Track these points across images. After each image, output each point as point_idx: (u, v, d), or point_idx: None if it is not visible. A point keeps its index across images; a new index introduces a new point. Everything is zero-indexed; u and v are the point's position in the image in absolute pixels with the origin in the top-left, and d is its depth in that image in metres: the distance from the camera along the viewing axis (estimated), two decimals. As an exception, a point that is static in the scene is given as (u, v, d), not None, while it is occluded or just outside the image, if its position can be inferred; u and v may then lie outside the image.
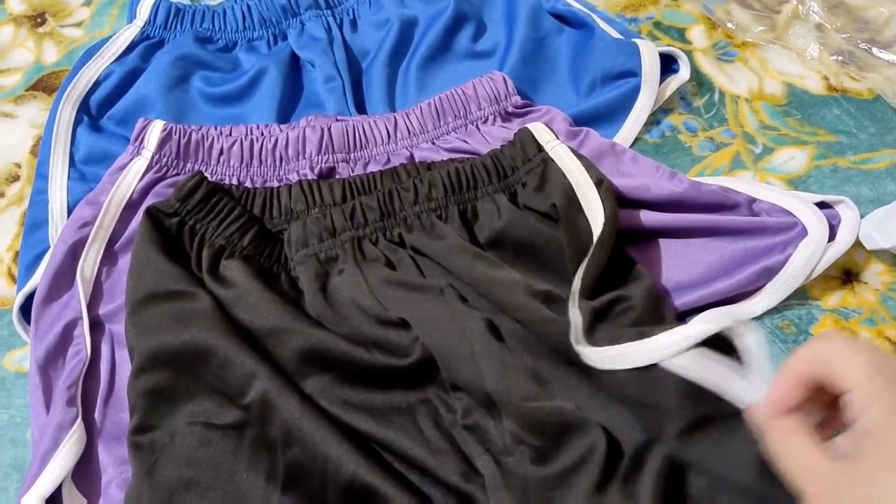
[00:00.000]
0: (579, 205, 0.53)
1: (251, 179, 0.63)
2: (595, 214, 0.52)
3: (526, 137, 0.57)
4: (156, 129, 0.63)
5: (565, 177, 0.54)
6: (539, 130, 0.57)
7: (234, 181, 0.63)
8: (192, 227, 0.55)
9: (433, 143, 0.64)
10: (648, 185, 0.58)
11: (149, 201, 0.62)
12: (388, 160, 0.64)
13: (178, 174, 0.63)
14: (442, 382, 0.49)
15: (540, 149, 0.56)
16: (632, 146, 0.65)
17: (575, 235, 0.52)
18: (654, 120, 0.66)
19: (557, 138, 0.57)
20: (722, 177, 0.61)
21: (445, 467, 0.46)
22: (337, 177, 0.63)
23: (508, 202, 0.55)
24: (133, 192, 0.62)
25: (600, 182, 0.53)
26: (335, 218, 0.55)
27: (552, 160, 0.56)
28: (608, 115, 0.66)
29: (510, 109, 0.65)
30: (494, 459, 0.46)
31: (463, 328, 0.49)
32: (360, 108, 0.69)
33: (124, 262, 0.60)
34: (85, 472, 0.52)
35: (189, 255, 0.54)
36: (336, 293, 0.52)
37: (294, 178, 0.63)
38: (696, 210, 0.57)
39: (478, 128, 0.64)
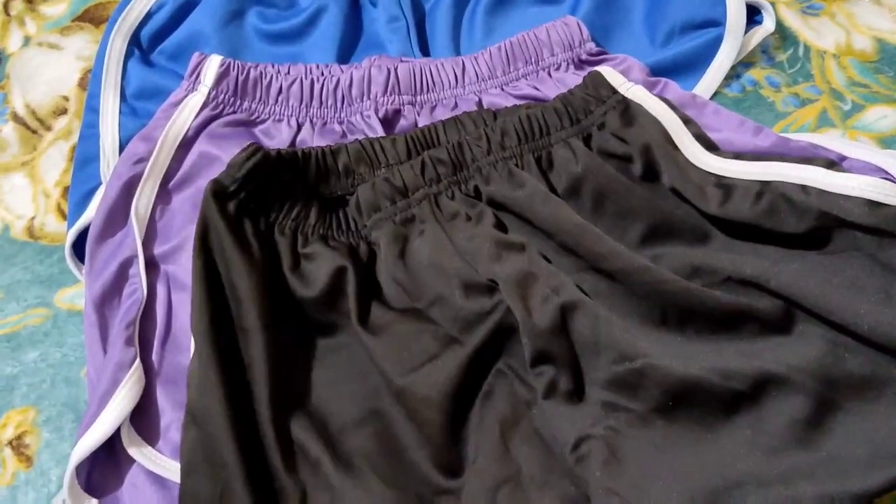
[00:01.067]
0: (674, 143, 0.50)
1: (310, 121, 0.61)
2: (692, 151, 0.49)
3: (598, 79, 0.54)
4: (213, 64, 0.61)
5: (653, 116, 0.51)
6: (610, 73, 0.54)
7: (294, 122, 0.61)
8: (254, 210, 0.51)
9: (502, 89, 0.61)
10: (732, 139, 0.55)
11: (204, 140, 0.60)
12: (456, 105, 0.61)
13: (234, 112, 0.61)
14: (520, 356, 0.46)
15: (614, 91, 0.53)
16: (711, 99, 0.62)
17: (676, 171, 0.49)
18: (734, 74, 0.63)
19: (628, 80, 0.54)
20: (810, 133, 0.58)
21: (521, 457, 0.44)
22: (402, 121, 0.60)
23: (584, 147, 0.52)
24: (188, 129, 0.60)
25: (688, 121, 0.50)
26: (405, 176, 0.52)
27: (632, 101, 0.53)
28: (687, 67, 0.63)
29: (584, 57, 0.62)
30: (583, 437, 0.44)
31: (552, 286, 0.46)
32: (425, 51, 0.66)
33: (178, 200, 0.58)
34: (143, 414, 0.50)
35: (251, 245, 0.50)
36: (416, 256, 0.50)
37: (357, 119, 0.60)
38: (783, 167, 0.55)
39: (549, 74, 0.62)
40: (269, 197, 0.52)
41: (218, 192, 0.51)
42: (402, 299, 0.50)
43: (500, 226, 0.51)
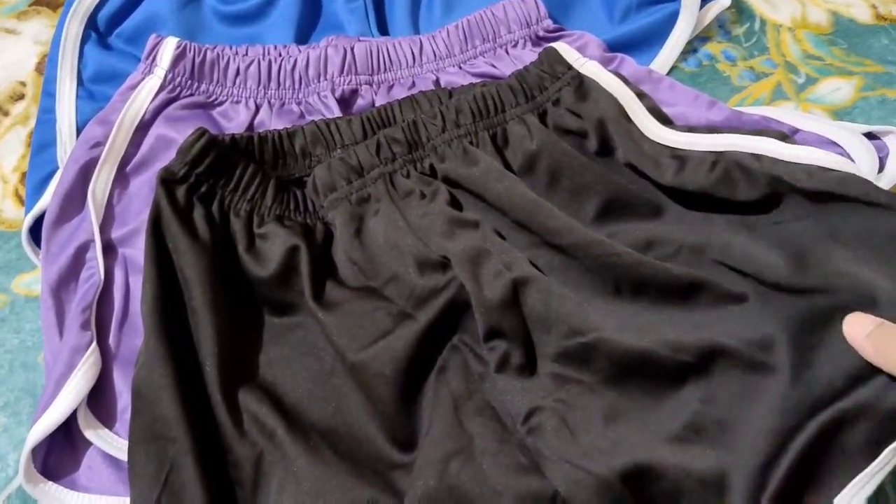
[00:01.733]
0: (628, 117, 0.50)
1: (268, 102, 0.61)
2: (646, 125, 0.50)
3: (553, 56, 0.54)
4: (169, 46, 0.60)
5: (607, 91, 0.52)
6: (565, 49, 0.54)
7: (252, 104, 0.61)
8: (206, 194, 0.51)
9: (460, 68, 0.61)
10: (686, 113, 0.56)
11: (161, 123, 0.59)
12: (413, 84, 0.61)
13: (191, 95, 0.61)
14: (473, 331, 0.47)
15: (569, 67, 0.54)
16: (668, 75, 0.62)
17: (631, 144, 0.49)
18: (690, 48, 0.63)
19: (583, 56, 0.54)
20: (763, 107, 0.58)
21: (474, 429, 0.44)
22: (359, 100, 0.60)
23: (539, 123, 0.52)
24: (145, 112, 0.59)
25: (642, 95, 0.51)
26: (361, 156, 0.52)
27: (586, 76, 0.53)
28: (643, 42, 0.63)
29: (541, 34, 0.62)
30: (534, 408, 0.44)
31: (504, 262, 0.46)
32: (383, 30, 0.66)
33: (136, 184, 0.58)
34: (100, 397, 0.50)
35: (199, 229, 0.50)
36: (372, 235, 0.50)
37: (314, 100, 0.60)
38: (736, 141, 0.55)
39: (507, 52, 0.62)
40: (223, 179, 0.52)
41: (167, 178, 0.51)
42: (358, 278, 0.50)
43: (455, 203, 0.51)
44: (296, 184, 0.54)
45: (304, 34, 0.66)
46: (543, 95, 0.53)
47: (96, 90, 0.64)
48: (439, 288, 0.48)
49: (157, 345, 0.46)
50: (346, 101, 0.60)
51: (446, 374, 0.47)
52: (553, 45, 0.55)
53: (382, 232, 0.50)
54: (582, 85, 0.53)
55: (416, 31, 0.66)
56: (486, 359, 0.46)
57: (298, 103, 0.61)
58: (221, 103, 0.61)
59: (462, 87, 0.56)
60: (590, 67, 0.53)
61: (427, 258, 0.48)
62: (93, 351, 0.50)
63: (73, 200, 0.56)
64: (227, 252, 0.51)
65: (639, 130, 0.51)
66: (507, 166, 0.52)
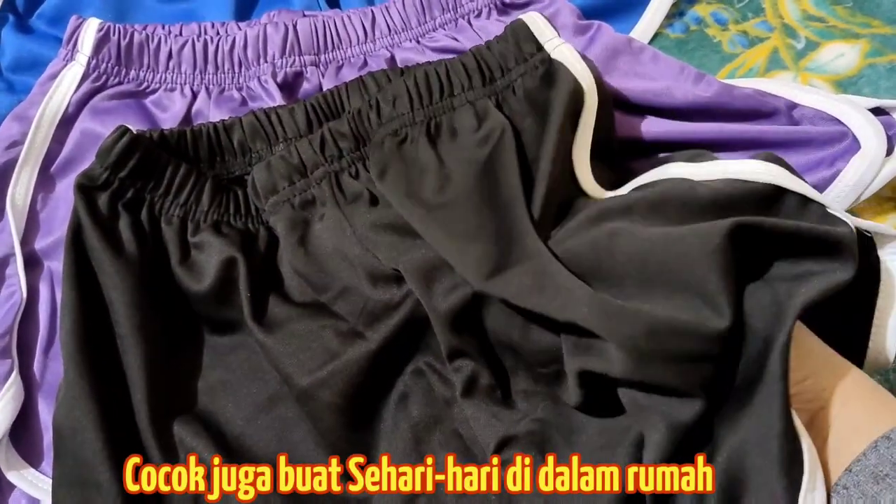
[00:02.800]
0: (570, 137, 0.44)
1: (206, 88, 0.55)
2: (581, 164, 0.45)
3: (521, 31, 0.47)
4: (90, 29, 0.54)
5: (576, 81, 0.45)
6: (537, 23, 0.47)
7: (188, 90, 0.55)
8: (132, 200, 0.46)
9: (417, 42, 0.55)
10: (671, 88, 0.50)
11: (87, 116, 0.54)
12: (365, 63, 0.55)
13: (120, 83, 0.55)
14: (437, 351, 0.42)
15: (539, 47, 0.47)
16: (651, 42, 0.56)
17: (553, 172, 0.44)
18: (676, 11, 0.57)
19: (559, 35, 0.47)
20: (757, 78, 0.53)
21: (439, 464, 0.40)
22: (305, 84, 0.54)
23: (495, 111, 0.46)
24: (68, 105, 0.54)
25: (604, 109, 0.45)
26: (303, 153, 0.46)
27: (557, 62, 0.46)
28: (623, 6, 0.57)
29: (507, 0, 0.55)
30: (507, 438, 0.40)
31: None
32: (333, 3, 0.59)
33: (62, 187, 0.53)
34: (23, 432, 0.47)
35: (125, 241, 0.45)
36: (318, 243, 0.45)
37: (255, 86, 0.54)
38: (726, 119, 0.50)
39: (470, 23, 0.55)
40: (152, 183, 0.46)
41: (85, 185, 0.45)
42: (305, 292, 0.45)
43: None
44: (236, 182, 0.49)
45: (244, 9, 0.60)
46: (504, 79, 0.46)
47: (16, 80, 0.58)
48: (394, 303, 0.43)
49: (78, 379, 0.42)
50: (289, 86, 0.54)
51: (407, 401, 0.43)
52: (523, 17, 0.48)
53: (330, 240, 0.45)
54: (549, 72, 0.46)
55: (371, 2, 0.59)
56: (452, 381, 0.42)
57: (239, 89, 0.55)
58: (154, 91, 0.55)
59: (417, 66, 0.50)
60: (563, 51, 0.46)
61: (378, 270, 0.43)
62: (13, 382, 0.46)
63: None
64: (159, 265, 0.46)
65: (570, 162, 0.45)
66: (441, 165, 0.45)
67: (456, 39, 0.55)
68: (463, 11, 0.55)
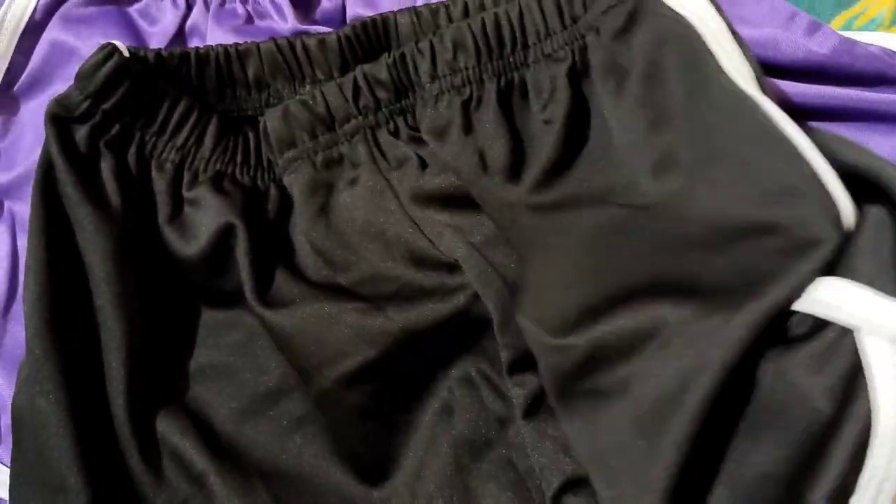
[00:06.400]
0: (710, 59, 0.35)
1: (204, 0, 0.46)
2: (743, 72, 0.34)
3: None
4: None
5: (677, 17, 0.36)
6: None
7: (181, 1, 0.45)
8: (117, 137, 0.38)
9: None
10: (778, 39, 0.42)
11: (57, 25, 0.46)
12: (404, -22, 0.46)
13: None
14: (493, 357, 0.36)
15: None
16: (750, -23, 0.47)
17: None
18: (783, -63, 0.47)
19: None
20: (883, 32, 0.44)
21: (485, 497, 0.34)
22: (324, 2, 0.46)
23: (565, 77, 0.37)
24: (34, 9, 0.46)
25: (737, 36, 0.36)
26: (331, 100, 0.39)
27: None
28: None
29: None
30: (574, 479, 0.34)
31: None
32: None
33: (27, 110, 0.46)
34: None
35: (108, 189, 0.38)
36: (344, 214, 0.38)
37: (266, 2, 0.45)
38: (843, 83, 0.41)
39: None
40: (143, 118, 0.39)
41: (60, 115, 0.37)
42: (321, 270, 0.38)
43: None
44: (248, 122, 0.41)
45: None
46: (585, 19, 0.37)
47: None
48: (443, 291, 0.37)
49: (44, 358, 0.36)
50: (305, 4, 0.45)
51: (452, 414, 0.37)
52: None
53: (362, 211, 0.38)
54: (642, 6, 0.37)
55: None
56: (510, 397, 0.36)
57: (244, 2, 0.46)
58: None
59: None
60: None
61: (426, 252, 0.37)
62: None
63: None
64: (145, 219, 0.39)
65: (716, 63, 0.35)
66: (517, 142, 0.38)
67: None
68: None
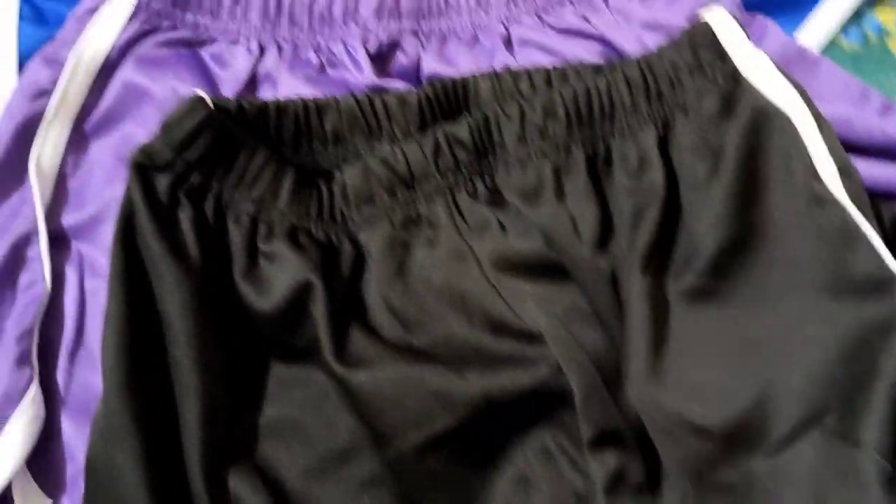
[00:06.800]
0: (808, 163, 0.36)
1: (277, 44, 0.47)
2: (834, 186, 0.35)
3: (701, 34, 0.39)
4: None
5: (778, 110, 0.37)
6: (723, 22, 0.39)
7: (254, 45, 0.47)
8: (196, 188, 0.38)
9: (539, 18, 0.47)
10: (850, 118, 0.43)
11: (131, 66, 0.46)
12: (476, 38, 0.46)
13: (174, 27, 0.47)
14: (571, 431, 0.36)
15: (722, 55, 0.38)
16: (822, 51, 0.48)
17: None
18: (853, 15, 0.48)
19: (749, 41, 0.39)
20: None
21: None
22: (400, 57, 0.46)
23: (656, 147, 0.38)
24: (111, 49, 0.46)
25: (823, 128, 0.36)
26: (411, 159, 0.39)
27: (744, 78, 0.38)
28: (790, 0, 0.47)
29: (653, -24, 0.46)
30: None
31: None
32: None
33: (97, 150, 0.46)
34: (43, 458, 0.40)
35: (187, 239, 0.37)
36: (422, 274, 0.38)
37: (339, 50, 0.46)
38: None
39: (605, 1, 0.46)
40: (222, 168, 0.39)
41: (144, 164, 0.38)
42: (395, 330, 0.38)
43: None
44: (322, 175, 0.41)
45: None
46: (674, 95, 0.38)
47: (47, 7, 0.49)
48: (524, 361, 0.37)
49: (121, 409, 0.36)
50: (381, 57, 0.46)
51: (528, 486, 0.37)
52: (708, 15, 0.39)
53: (441, 274, 0.38)
54: (738, 91, 0.37)
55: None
56: (590, 473, 0.36)
57: (317, 50, 0.46)
58: (214, 41, 0.47)
59: (563, 67, 0.41)
60: (760, 63, 0.37)
61: (508, 321, 0.37)
62: (33, 398, 0.40)
63: (9, 173, 0.44)
64: (223, 272, 0.39)
65: (812, 171, 0.36)
66: (604, 211, 0.38)
67: (587, 20, 0.46)
68: (599, -16, 0.46)
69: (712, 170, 0.36)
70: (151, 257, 0.37)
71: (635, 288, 0.36)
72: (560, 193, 0.38)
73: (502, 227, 0.38)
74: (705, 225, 0.37)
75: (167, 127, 0.38)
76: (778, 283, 0.37)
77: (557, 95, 0.38)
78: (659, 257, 0.37)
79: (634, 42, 0.45)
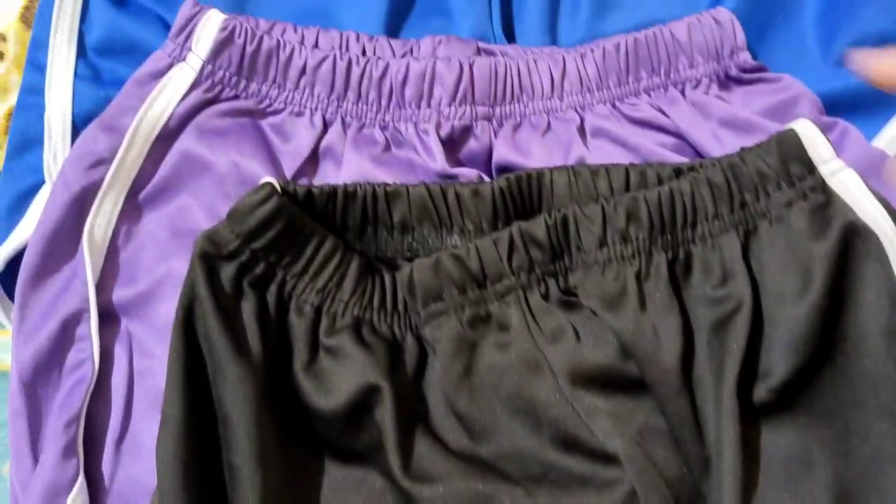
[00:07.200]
0: (893, 291, 0.35)
1: (342, 119, 0.45)
2: None
3: (788, 144, 0.37)
4: (212, 26, 0.44)
5: (867, 226, 0.36)
6: (809, 135, 0.37)
7: (318, 119, 0.45)
8: (260, 276, 0.37)
9: (614, 107, 0.45)
10: None
11: (191, 135, 0.44)
12: (549, 126, 0.44)
13: (235, 97, 0.45)
14: None
15: (810, 168, 0.37)
16: (902, 158, 0.46)
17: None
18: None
19: (837, 157, 0.38)
20: None
21: None
22: (472, 142, 0.45)
23: (742, 258, 0.37)
24: (170, 117, 0.44)
25: None
26: (484, 256, 0.37)
27: (835, 193, 0.37)
28: (871, 102, 0.46)
29: (733, 72, 0.45)
30: None
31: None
32: (508, 30, 0.48)
33: (151, 221, 0.44)
34: None
35: (249, 334, 0.36)
36: (490, 379, 0.36)
37: (408, 131, 0.44)
38: None
39: (683, 93, 0.45)
40: (288, 257, 0.37)
41: (209, 253, 0.36)
42: (459, 437, 0.37)
43: (621, 349, 0.37)
44: (385, 263, 0.40)
45: (396, 18, 0.49)
46: (759, 205, 0.37)
47: (104, 67, 0.48)
48: (600, 483, 0.35)
49: None
50: (453, 142, 0.44)
51: None
52: (795, 125, 0.38)
53: (512, 382, 0.37)
54: (828, 206, 0.36)
55: (554, 35, 0.48)
56: None
57: (384, 128, 0.45)
58: (277, 112, 0.45)
59: (641, 166, 0.40)
60: (844, 180, 0.36)
61: (582, 439, 0.35)
62: (78, 490, 0.37)
63: (61, 245, 0.43)
64: (284, 367, 0.37)
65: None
66: (685, 318, 0.37)
67: (663, 112, 0.44)
68: (678, 78, 0.45)
69: (801, 289, 0.35)
70: (213, 352, 0.36)
71: (721, 409, 0.35)
72: (642, 301, 0.36)
73: (577, 334, 0.37)
74: (789, 342, 0.35)
75: (236, 214, 0.36)
76: (853, 401, 0.35)
77: (641, 199, 0.37)
78: (742, 375, 0.36)
79: (710, 137, 0.43)
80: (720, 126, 0.44)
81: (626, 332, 0.36)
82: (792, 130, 0.37)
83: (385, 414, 0.36)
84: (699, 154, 0.44)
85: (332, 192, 0.39)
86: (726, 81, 0.45)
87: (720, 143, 0.43)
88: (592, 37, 0.47)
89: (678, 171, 0.39)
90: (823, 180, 0.37)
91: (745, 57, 0.45)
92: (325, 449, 0.38)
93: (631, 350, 0.36)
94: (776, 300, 0.36)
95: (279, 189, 0.37)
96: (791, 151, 0.37)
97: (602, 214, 0.37)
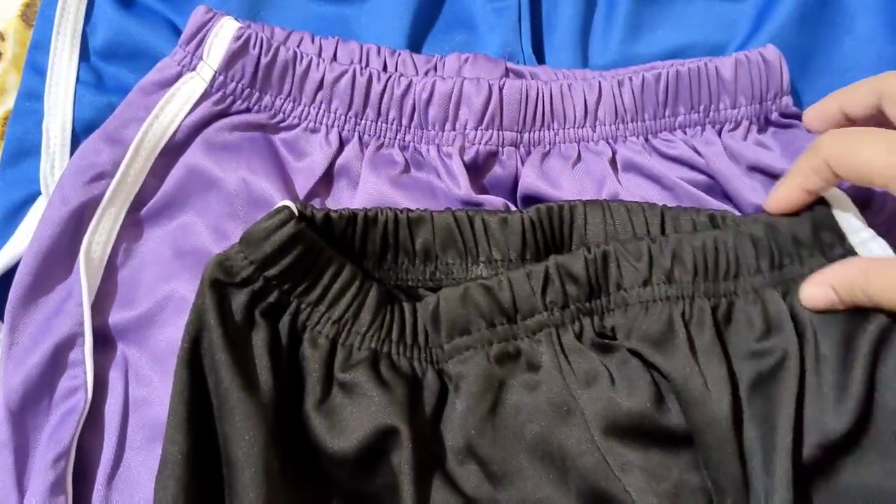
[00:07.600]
0: None
1: (359, 137, 0.42)
2: None
3: (822, 218, 0.36)
4: (225, 35, 0.42)
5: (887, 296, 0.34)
6: (842, 205, 0.36)
7: (334, 135, 0.42)
8: (273, 305, 0.34)
9: (646, 140, 0.43)
10: None
11: (199, 149, 0.42)
12: (579, 157, 0.42)
13: (247, 109, 0.42)
14: None
15: (841, 237, 0.36)
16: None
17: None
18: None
19: (867, 226, 0.36)
20: None
21: None
22: (497, 168, 0.42)
23: (787, 310, 0.35)
24: (177, 129, 0.41)
25: None
26: (517, 288, 0.35)
27: None
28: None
29: (773, 116, 0.43)
30: None
31: None
32: (537, 48, 0.46)
33: (153, 239, 0.42)
34: None
35: (260, 367, 0.34)
36: (516, 420, 0.34)
37: (430, 153, 0.42)
38: None
39: (720, 134, 0.42)
40: (303, 285, 0.35)
41: (220, 281, 0.34)
42: (479, 482, 0.35)
43: (658, 395, 0.35)
44: (404, 292, 0.38)
45: (419, 30, 0.47)
46: (792, 269, 0.35)
47: (107, 72, 0.45)
48: None
49: None
50: (477, 167, 0.42)
51: None
52: (830, 198, 0.36)
53: (538, 426, 0.35)
54: None
55: (585, 56, 0.46)
56: None
57: (403, 148, 0.42)
58: (290, 128, 0.43)
59: (677, 209, 0.37)
60: (873, 250, 0.35)
61: (611, 494, 0.34)
62: None
63: (56, 264, 0.40)
64: (295, 403, 0.35)
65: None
66: (729, 365, 0.35)
67: (697, 152, 0.42)
68: (717, 118, 0.42)
69: (842, 360, 0.34)
70: (220, 386, 0.33)
71: (772, 470, 0.33)
72: (692, 344, 0.34)
73: (612, 378, 0.34)
74: (831, 406, 0.34)
75: (251, 239, 0.34)
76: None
77: (686, 242, 0.35)
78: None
79: (740, 182, 0.41)
80: (750, 170, 0.42)
81: (677, 374, 0.34)
82: (826, 209, 0.36)
83: (402, 459, 0.34)
84: (729, 198, 0.42)
85: (352, 216, 0.36)
86: (765, 125, 0.43)
87: (750, 188, 0.41)
88: (625, 58, 0.45)
89: (713, 219, 0.37)
90: (853, 248, 0.35)
91: (788, 102, 0.43)
92: (335, 492, 0.35)
93: (681, 393, 0.34)
94: (816, 364, 0.34)
95: (296, 213, 0.34)
96: (823, 223, 0.36)
97: (648, 252, 0.35)
